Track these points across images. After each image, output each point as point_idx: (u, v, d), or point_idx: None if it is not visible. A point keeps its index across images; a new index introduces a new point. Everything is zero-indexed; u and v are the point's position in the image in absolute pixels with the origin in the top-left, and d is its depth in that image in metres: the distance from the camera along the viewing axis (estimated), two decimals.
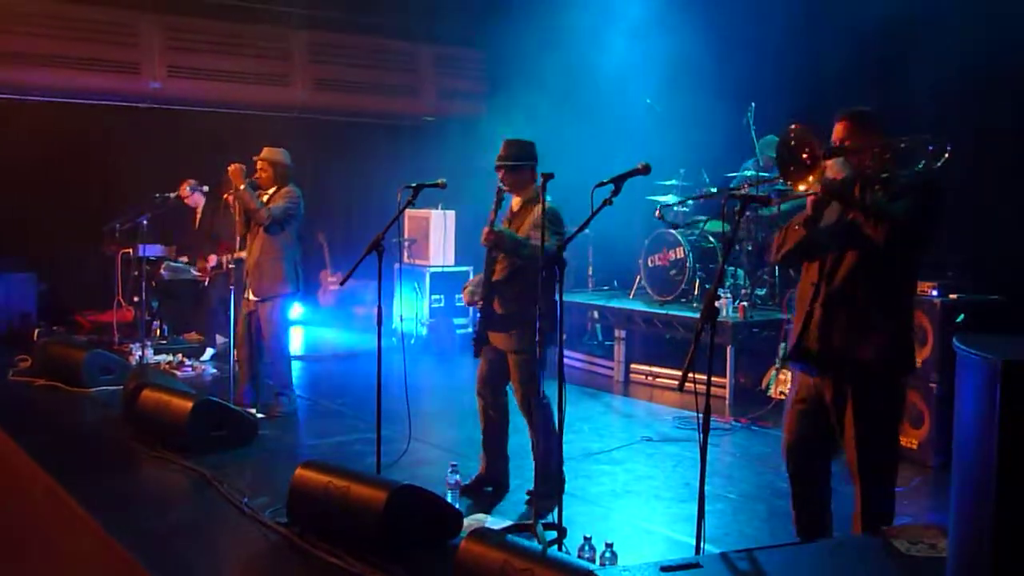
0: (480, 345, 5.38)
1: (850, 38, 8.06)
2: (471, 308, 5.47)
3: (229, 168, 7.03)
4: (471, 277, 5.71)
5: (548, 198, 5.22)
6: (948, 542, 3.32)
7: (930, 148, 3.82)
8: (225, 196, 7.39)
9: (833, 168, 3.74)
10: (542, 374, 5.10)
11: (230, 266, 8.62)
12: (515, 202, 5.39)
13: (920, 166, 3.83)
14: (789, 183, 3.71)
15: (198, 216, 10.19)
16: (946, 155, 3.79)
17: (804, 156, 3.63)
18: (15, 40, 10.50)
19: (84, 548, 4.65)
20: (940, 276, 6.30)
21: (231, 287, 7.22)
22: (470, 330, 5.67)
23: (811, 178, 3.61)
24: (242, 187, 6.94)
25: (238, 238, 8.89)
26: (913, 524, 4.34)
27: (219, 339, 10.05)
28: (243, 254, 8.91)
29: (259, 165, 7.12)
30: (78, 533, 4.69)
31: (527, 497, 5.33)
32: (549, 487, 4.82)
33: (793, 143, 3.68)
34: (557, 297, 4.52)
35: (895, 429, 3.94)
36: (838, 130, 3.94)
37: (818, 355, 3.89)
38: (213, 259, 9.43)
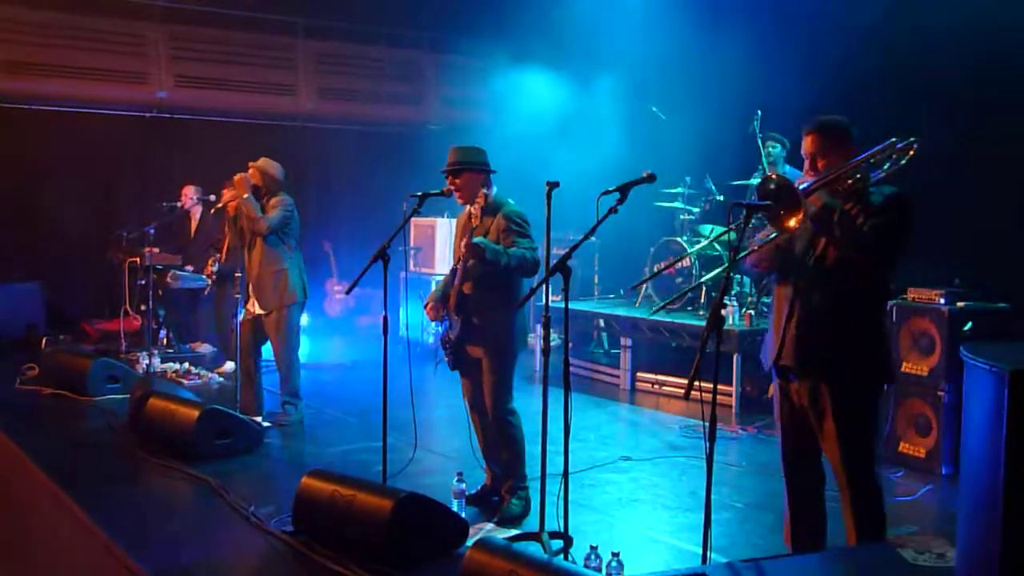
0: (458, 358, 5.35)
1: (856, 45, 8.06)
2: (443, 321, 5.43)
3: (235, 177, 7.06)
4: (427, 296, 5.65)
5: (511, 201, 5.25)
6: (956, 552, 3.30)
7: (897, 146, 3.85)
8: (226, 203, 7.38)
9: (817, 197, 3.78)
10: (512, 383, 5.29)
11: (210, 266, 8.69)
12: (473, 213, 5.33)
13: (887, 166, 3.87)
14: (778, 224, 3.72)
15: (194, 224, 10.22)
16: (911, 152, 3.82)
17: (790, 197, 3.66)
18: (24, 49, 10.57)
19: (90, 556, 4.65)
20: (947, 284, 6.29)
21: (236, 296, 7.23)
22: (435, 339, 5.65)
23: (798, 216, 3.64)
24: (246, 196, 6.97)
25: (225, 246, 8.98)
26: (921, 533, 4.32)
27: (207, 347, 10.10)
28: (214, 259, 8.95)
29: (250, 172, 7.14)
30: (84, 541, 4.69)
31: (496, 498, 5.41)
32: (512, 484, 5.28)
33: (775, 188, 3.70)
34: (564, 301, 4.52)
35: (874, 427, 4.03)
36: (807, 143, 3.96)
37: (795, 368, 3.96)
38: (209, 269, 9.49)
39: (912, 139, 3.84)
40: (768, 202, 3.70)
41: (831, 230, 3.74)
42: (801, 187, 3.72)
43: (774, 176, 3.76)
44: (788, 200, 3.65)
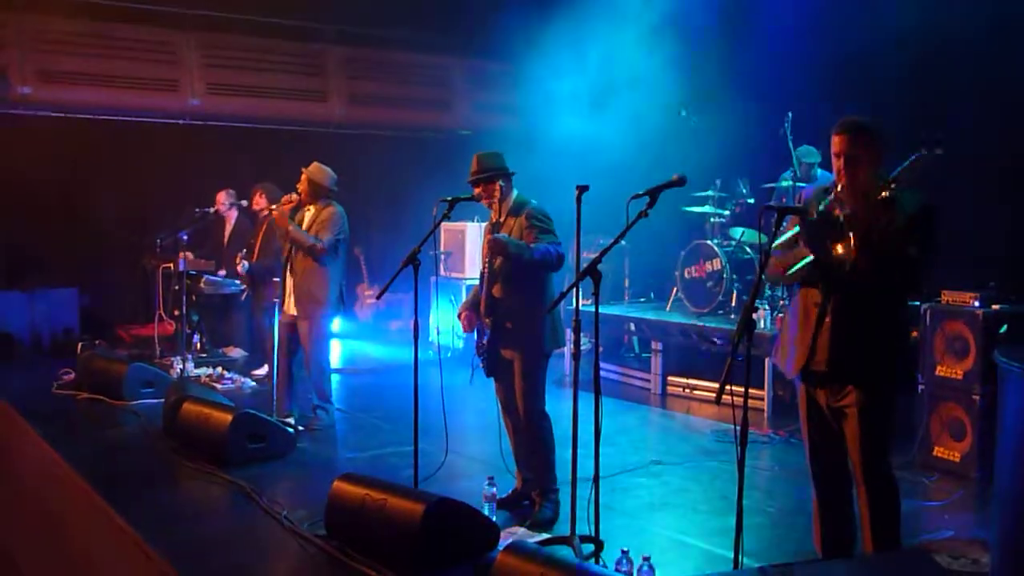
0: (491, 363, 5.39)
1: (886, 47, 7.99)
2: (476, 330, 5.47)
3: (275, 215, 7.07)
4: (459, 305, 5.70)
5: (533, 201, 5.29)
6: (991, 557, 3.27)
7: (923, 152, 4.01)
8: (262, 211, 7.43)
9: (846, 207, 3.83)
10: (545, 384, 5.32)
11: (238, 267, 8.77)
12: (499, 214, 5.41)
13: (908, 162, 4.01)
14: (831, 259, 3.74)
15: (227, 229, 10.31)
16: (938, 151, 4.01)
17: (832, 228, 3.72)
18: (58, 58, 10.69)
19: (125, 560, 4.70)
20: (982, 287, 6.22)
21: (275, 300, 7.29)
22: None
23: (846, 241, 3.67)
24: (291, 228, 6.99)
25: (257, 247, 9.05)
26: (955, 538, 4.29)
27: (239, 351, 10.19)
28: (241, 256, 9.04)
29: (302, 177, 7.17)
30: (119, 545, 4.74)
31: (527, 502, 5.41)
32: (544, 487, 5.28)
33: (819, 224, 3.76)
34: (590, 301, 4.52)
35: (892, 427, 4.03)
36: (836, 143, 3.97)
37: (827, 373, 3.98)
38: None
39: (939, 151, 4.02)
40: (798, 207, 3.72)
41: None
42: (840, 220, 3.74)
43: (813, 214, 3.80)
44: (834, 232, 3.71)
